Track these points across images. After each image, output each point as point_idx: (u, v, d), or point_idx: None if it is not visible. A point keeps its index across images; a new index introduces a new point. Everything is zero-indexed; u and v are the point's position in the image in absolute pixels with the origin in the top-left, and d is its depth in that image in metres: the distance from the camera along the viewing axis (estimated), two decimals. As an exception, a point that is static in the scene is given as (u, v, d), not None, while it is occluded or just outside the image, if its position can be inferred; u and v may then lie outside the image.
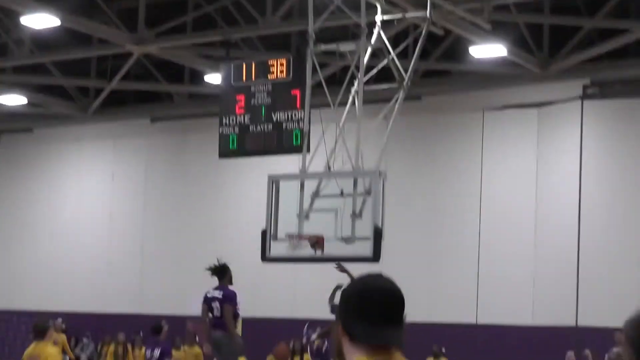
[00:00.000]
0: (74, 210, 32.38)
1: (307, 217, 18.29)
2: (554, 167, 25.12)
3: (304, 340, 23.92)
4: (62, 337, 26.10)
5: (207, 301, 17.56)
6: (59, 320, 27.78)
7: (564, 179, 24.87)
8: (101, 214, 31.75)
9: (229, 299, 17.00)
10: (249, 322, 27.53)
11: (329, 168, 18.23)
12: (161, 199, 30.80)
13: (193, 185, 30.10)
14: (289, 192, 18.53)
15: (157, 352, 16.24)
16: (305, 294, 26.80)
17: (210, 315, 17.39)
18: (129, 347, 25.55)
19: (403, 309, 3.52)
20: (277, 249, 18.60)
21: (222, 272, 16.99)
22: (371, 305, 3.47)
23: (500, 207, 25.41)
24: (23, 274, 33.02)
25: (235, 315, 17.22)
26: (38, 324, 14.13)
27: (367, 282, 3.57)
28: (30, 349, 14.00)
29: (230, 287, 17.90)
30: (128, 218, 31.33)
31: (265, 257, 19.02)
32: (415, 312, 22.98)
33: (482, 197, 25.65)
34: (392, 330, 3.48)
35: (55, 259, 32.30)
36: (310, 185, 18.26)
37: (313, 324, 24.85)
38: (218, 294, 16.86)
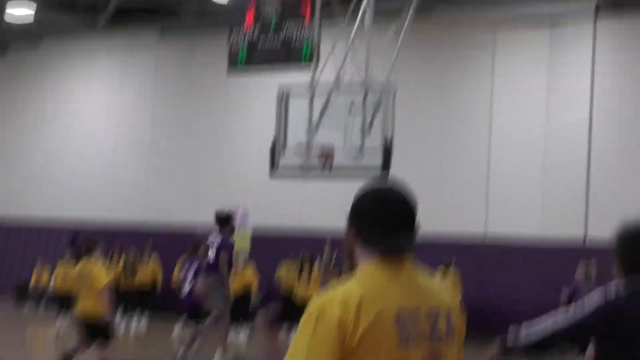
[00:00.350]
0: (82, 125, 32.36)
1: (316, 129, 18.24)
2: (565, 82, 24.94)
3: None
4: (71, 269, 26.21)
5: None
6: (67, 252, 27.89)
7: (576, 93, 24.71)
8: (109, 129, 31.74)
9: (226, 246, 17.02)
10: (258, 233, 27.74)
11: (339, 80, 18.15)
12: (169, 114, 30.73)
13: (201, 100, 30.01)
14: (298, 104, 18.46)
15: (217, 243, 16.34)
16: (314, 204, 26.89)
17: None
18: (139, 257, 25.78)
19: (415, 215, 3.53)
20: (287, 160, 18.56)
21: (224, 221, 16.88)
22: (384, 210, 3.50)
23: (511, 120, 25.31)
24: (32, 184, 33.11)
25: (230, 263, 17.23)
26: (85, 241, 14.49)
27: (380, 187, 3.57)
28: (79, 266, 14.29)
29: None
30: (136, 133, 31.31)
31: (274, 168, 18.93)
32: (424, 223, 23.00)
33: (493, 110, 25.55)
34: (404, 237, 3.50)
35: (64, 169, 32.37)
36: (320, 98, 18.21)
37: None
38: (216, 240, 16.87)
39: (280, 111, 18.54)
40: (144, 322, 25.39)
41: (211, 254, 17.13)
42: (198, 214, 27.35)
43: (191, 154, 29.99)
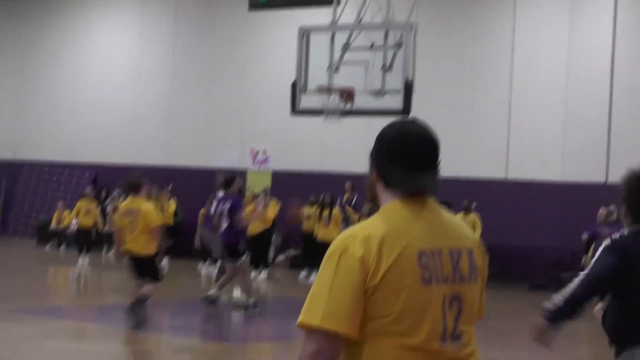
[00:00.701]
0: (103, 64, 32.25)
1: (337, 69, 18.25)
2: (587, 25, 24.67)
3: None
4: (94, 205, 26.36)
5: (212, 200, 18.10)
6: (88, 188, 27.96)
7: (598, 36, 24.43)
8: (130, 65, 31.62)
9: (236, 207, 16.74)
10: (279, 175, 27.75)
11: (360, 20, 18.04)
12: (190, 52, 30.58)
13: (222, 39, 29.83)
14: (319, 45, 18.49)
15: (227, 205, 16.32)
16: (334, 147, 26.80)
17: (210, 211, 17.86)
18: (159, 198, 25.69)
19: (438, 155, 3.49)
20: (307, 101, 18.64)
21: (228, 183, 16.84)
22: (407, 149, 3.44)
23: (532, 63, 25.07)
24: (52, 126, 33.12)
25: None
26: (132, 180, 14.61)
27: (403, 126, 3.50)
28: (127, 203, 14.45)
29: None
30: (157, 68, 31.16)
31: (295, 109, 18.99)
32: (445, 167, 22.93)
33: (515, 51, 25.30)
34: (427, 177, 3.45)
35: (84, 111, 32.34)
36: (340, 38, 18.13)
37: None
38: (222, 197, 16.81)
39: (301, 52, 18.53)
40: (166, 261, 25.48)
41: (214, 210, 17.32)
42: (218, 157, 27.43)
43: (212, 96, 29.88)
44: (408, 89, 16.71)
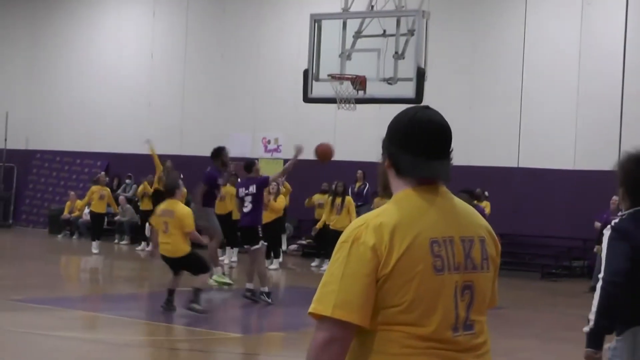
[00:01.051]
0: (116, 49, 32.25)
1: (349, 57, 18.17)
2: (600, 12, 24.54)
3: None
4: (107, 190, 26.36)
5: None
6: (102, 173, 28.01)
7: (609, 22, 24.33)
8: (142, 53, 31.61)
9: (205, 178, 17.87)
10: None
11: (372, 7, 17.95)
12: (202, 39, 30.54)
13: (234, 25, 29.79)
14: (330, 31, 18.41)
15: (252, 188, 16.26)
16: (346, 135, 26.74)
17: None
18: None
19: (450, 143, 3.45)
20: (319, 89, 18.58)
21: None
22: (419, 137, 3.42)
23: (544, 50, 24.98)
24: (64, 114, 33.15)
25: (208, 194, 17.99)
26: (169, 183, 15.15)
27: (415, 113, 3.47)
28: (164, 204, 14.77)
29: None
30: (169, 57, 31.17)
31: (307, 97, 18.96)
32: (456, 155, 22.84)
33: (526, 38, 25.20)
34: (439, 164, 3.43)
35: (97, 99, 32.36)
36: (352, 25, 18.07)
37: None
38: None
39: (313, 39, 18.46)
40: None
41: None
42: (232, 145, 27.28)
43: (224, 84, 29.86)
44: (420, 77, 16.65)
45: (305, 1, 26.28)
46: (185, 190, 25.90)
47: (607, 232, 5.81)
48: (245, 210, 16.29)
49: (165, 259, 14.71)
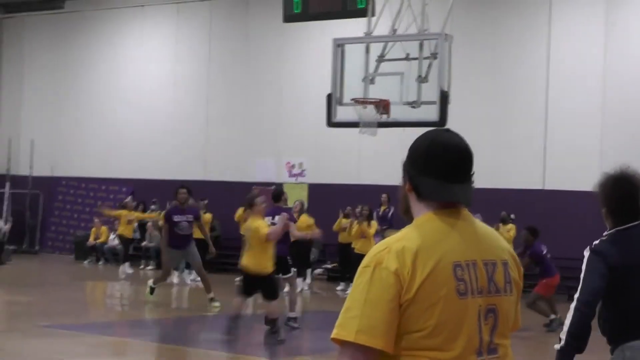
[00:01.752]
0: (138, 74, 32.43)
1: (372, 81, 18.18)
2: (623, 34, 24.49)
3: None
4: (136, 214, 26.48)
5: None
6: (129, 198, 28.13)
7: (634, 46, 24.28)
8: (165, 79, 31.76)
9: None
10: (315, 188, 27.73)
11: (395, 31, 17.96)
12: (225, 64, 30.66)
13: (257, 50, 29.91)
14: (354, 56, 18.42)
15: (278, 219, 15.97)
16: (370, 159, 26.75)
17: None
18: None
19: (471, 166, 3.44)
20: (343, 113, 18.59)
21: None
22: (440, 160, 3.41)
23: (568, 70, 24.95)
24: (88, 141, 33.31)
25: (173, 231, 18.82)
26: (248, 198, 15.20)
27: (436, 136, 3.46)
28: (248, 222, 14.87)
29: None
30: (192, 83, 31.30)
31: (330, 121, 18.90)
32: (481, 177, 22.85)
33: (550, 60, 25.18)
34: (460, 188, 3.41)
35: (121, 126, 32.49)
36: (375, 49, 18.08)
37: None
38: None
39: (336, 63, 18.47)
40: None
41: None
42: (256, 171, 27.48)
43: (247, 109, 29.96)
44: (444, 100, 16.63)
45: (328, 26, 26.34)
46: (210, 215, 26.07)
47: (586, 253, 5.96)
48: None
49: (246, 275, 14.60)
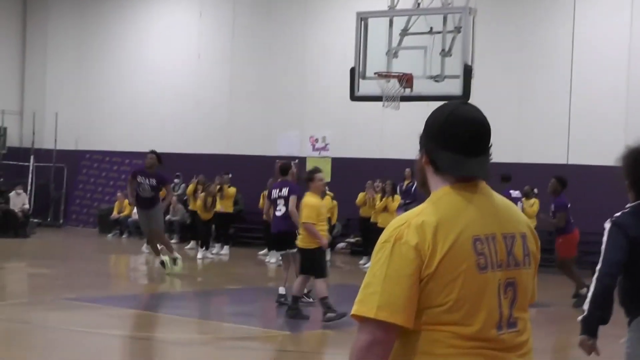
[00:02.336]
0: (162, 49, 32.40)
1: (395, 55, 18.12)
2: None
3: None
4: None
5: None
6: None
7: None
8: (189, 53, 31.72)
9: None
10: (339, 162, 27.72)
11: (418, 4, 17.89)
12: (249, 37, 30.60)
13: (281, 24, 29.85)
14: (377, 29, 18.31)
15: (285, 191, 15.57)
16: (393, 133, 26.69)
17: None
18: (219, 187, 25.65)
19: (489, 139, 3.44)
20: (366, 87, 18.47)
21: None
22: (457, 133, 3.38)
23: (593, 46, 24.78)
24: (112, 115, 33.35)
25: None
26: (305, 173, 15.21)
27: (453, 109, 3.43)
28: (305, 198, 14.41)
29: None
30: (216, 57, 31.24)
31: (353, 95, 18.82)
32: (505, 151, 22.87)
33: (575, 34, 25.00)
34: (477, 162, 3.39)
35: (145, 100, 32.53)
36: (398, 23, 18.00)
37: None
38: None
39: (359, 37, 18.39)
40: (226, 249, 25.61)
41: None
42: (279, 145, 27.51)
43: (271, 82, 29.92)
44: (467, 74, 16.51)
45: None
46: (234, 189, 26.09)
47: (607, 225, 6.00)
48: (278, 213, 15.63)
49: (298, 250, 14.56)
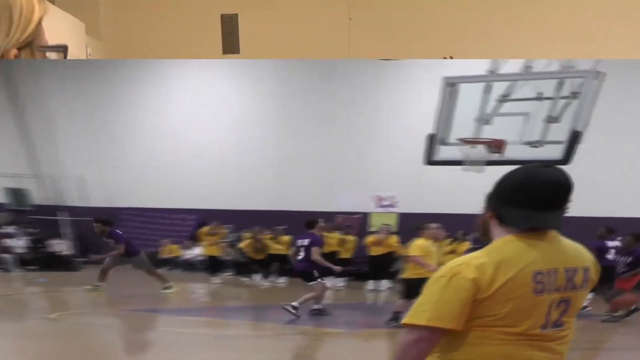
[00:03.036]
0: (206, 111, 32.70)
1: (488, 122, 16.91)
2: None
3: None
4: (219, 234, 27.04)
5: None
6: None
7: None
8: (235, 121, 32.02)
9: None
10: (407, 216, 27.30)
11: (527, 69, 16.59)
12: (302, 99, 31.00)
13: (344, 90, 29.99)
14: (467, 95, 17.18)
15: (306, 241, 18.16)
16: (475, 190, 26.35)
17: None
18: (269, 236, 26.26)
19: (567, 198, 3.52)
20: (445, 151, 17.41)
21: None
22: (532, 192, 3.48)
23: None
24: (157, 174, 33.38)
25: None
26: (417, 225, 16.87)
27: (532, 170, 3.55)
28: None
29: None
30: (266, 119, 31.49)
31: (430, 160, 17.70)
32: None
33: None
34: (551, 215, 3.50)
35: (186, 163, 32.75)
36: (498, 89, 16.82)
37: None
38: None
39: (444, 103, 17.32)
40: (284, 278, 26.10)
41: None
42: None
43: (326, 144, 30.10)
44: (573, 139, 15.53)
45: (433, 65, 25.78)
46: (290, 237, 26.20)
47: None
48: (299, 258, 18.27)
49: (402, 281, 16.56)
